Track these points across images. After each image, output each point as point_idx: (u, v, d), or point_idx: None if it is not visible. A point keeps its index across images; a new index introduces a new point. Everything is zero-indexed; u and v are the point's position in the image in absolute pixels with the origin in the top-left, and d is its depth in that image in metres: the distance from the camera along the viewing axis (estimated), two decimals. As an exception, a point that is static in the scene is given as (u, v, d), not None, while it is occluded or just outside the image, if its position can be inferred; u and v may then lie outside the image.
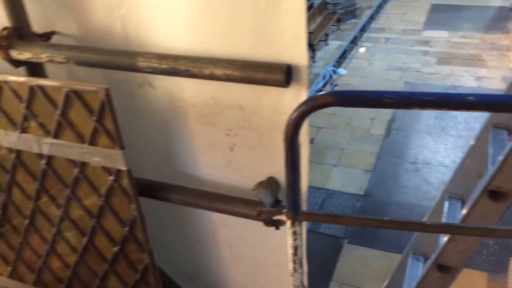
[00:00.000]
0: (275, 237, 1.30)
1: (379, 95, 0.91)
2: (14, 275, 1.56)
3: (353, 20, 7.22)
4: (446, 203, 1.58)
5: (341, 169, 4.52)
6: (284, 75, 0.98)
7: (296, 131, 0.98)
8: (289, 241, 1.16)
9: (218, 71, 1.02)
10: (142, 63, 1.08)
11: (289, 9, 0.93)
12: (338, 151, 4.72)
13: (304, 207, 1.14)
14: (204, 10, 1.04)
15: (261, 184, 1.19)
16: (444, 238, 1.40)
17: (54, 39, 1.28)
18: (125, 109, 1.14)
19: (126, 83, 1.29)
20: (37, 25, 1.25)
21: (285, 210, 1.13)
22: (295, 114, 0.96)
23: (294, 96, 1.05)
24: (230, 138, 1.21)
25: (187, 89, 1.20)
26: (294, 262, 1.19)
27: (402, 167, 4.52)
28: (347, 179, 4.41)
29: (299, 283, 1.21)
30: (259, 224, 1.23)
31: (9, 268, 1.55)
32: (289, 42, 0.98)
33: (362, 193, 4.21)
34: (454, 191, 1.60)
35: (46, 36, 1.24)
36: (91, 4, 1.20)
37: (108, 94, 1.07)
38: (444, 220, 1.55)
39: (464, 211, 1.34)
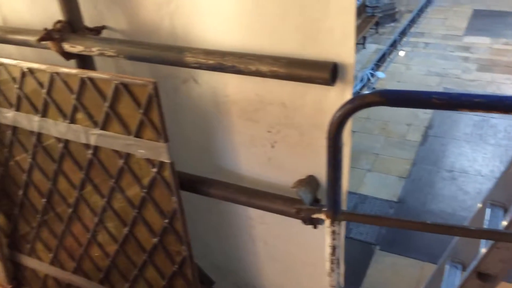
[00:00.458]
0: (312, 236, 1.30)
1: (428, 96, 0.90)
2: (55, 262, 1.62)
3: (392, 24, 7.11)
4: (488, 211, 1.54)
5: (375, 174, 4.45)
6: (330, 73, 0.98)
7: (340, 129, 0.98)
8: (328, 240, 1.15)
9: (264, 68, 1.03)
10: (189, 58, 1.10)
11: (339, 7, 0.94)
12: (373, 156, 4.66)
13: (343, 206, 1.14)
14: (252, 6, 1.05)
15: (301, 182, 1.19)
16: (485, 247, 1.36)
17: (104, 34, 1.32)
18: (168, 104, 1.16)
19: (171, 78, 1.32)
20: (89, 19, 1.29)
21: (324, 209, 1.13)
22: (339, 113, 0.96)
23: (339, 95, 1.05)
24: (272, 135, 1.22)
25: (230, 85, 1.21)
26: (332, 262, 1.18)
27: (438, 175, 4.42)
28: (381, 185, 4.34)
29: (335, 283, 1.21)
30: (297, 222, 1.23)
31: (51, 255, 1.61)
32: (336, 40, 0.98)
33: (395, 199, 4.14)
34: (497, 199, 1.55)
35: (96, 30, 1.28)
36: (141, 0, 1.23)
37: (155, 88, 1.10)
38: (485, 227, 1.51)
39: (507, 219, 1.30)
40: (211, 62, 1.08)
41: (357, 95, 0.95)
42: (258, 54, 1.05)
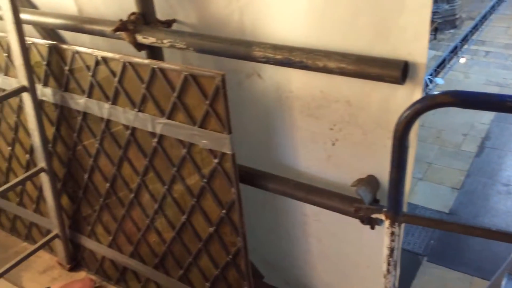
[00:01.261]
0: (368, 236, 1.29)
1: (502, 98, 0.88)
2: (113, 245, 1.68)
3: (452, 31, 6.90)
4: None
5: (427, 184, 4.34)
6: (400, 71, 0.97)
7: (407, 129, 0.97)
8: (386, 241, 1.14)
9: (332, 64, 1.03)
10: (257, 52, 1.12)
11: (414, 5, 0.93)
12: (425, 164, 4.54)
13: (404, 208, 1.12)
14: (323, 2, 1.06)
15: (361, 181, 1.19)
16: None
17: (174, 27, 1.36)
18: (231, 98, 1.19)
19: (235, 72, 1.35)
20: (160, 12, 1.34)
21: (385, 209, 1.12)
22: (408, 112, 0.95)
23: (408, 94, 1.04)
24: (333, 133, 1.22)
25: (295, 81, 1.23)
26: (389, 264, 1.17)
27: (493, 188, 4.25)
28: (432, 195, 4.22)
29: (391, 285, 1.20)
30: (353, 221, 1.22)
31: (110, 238, 1.67)
32: (409, 38, 0.97)
33: (447, 211, 4.02)
34: None
35: (168, 23, 1.32)
36: (213, -5, 1.27)
37: (223, 80, 1.13)
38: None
39: None
40: (279, 57, 1.10)
41: (427, 95, 0.93)
42: (326, 50, 1.06)
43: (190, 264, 1.49)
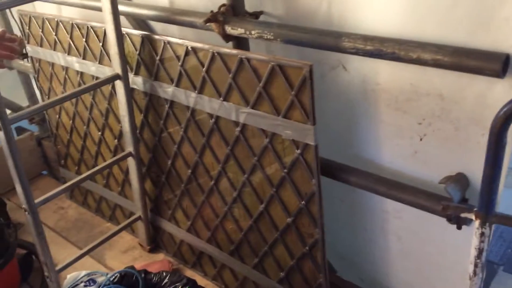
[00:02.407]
0: (452, 236, 1.24)
1: None
2: (191, 229, 1.75)
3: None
4: None
5: (510, 191, 4.08)
6: (501, 64, 0.93)
7: (506, 125, 0.92)
8: (475, 242, 1.09)
9: (426, 56, 1.00)
10: (347, 43, 1.11)
11: (523, -6, 0.88)
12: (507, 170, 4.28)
13: (497, 208, 1.07)
14: (419, -8, 1.03)
15: (450, 179, 1.14)
16: None
17: (261, 18, 1.38)
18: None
19: (319, 64, 1.34)
20: (248, 4, 1.37)
21: (475, 209, 1.07)
22: (507, 107, 0.90)
23: (507, 89, 0.99)
24: (422, 128, 1.19)
25: (383, 73, 1.20)
26: (476, 266, 1.12)
27: None
28: (513, 201, 3.97)
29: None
30: (437, 220, 1.18)
31: (188, 223, 1.74)
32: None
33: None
34: None
35: (255, 15, 1.35)
36: (301, -14, 1.27)
37: (311, 71, 1.13)
38: None
39: None
40: (369, 48, 1.08)
41: (532, 89, 0.88)
42: (420, 41, 1.03)
43: (266, 253, 1.52)
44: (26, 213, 1.46)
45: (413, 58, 1.02)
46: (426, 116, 1.16)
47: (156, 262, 1.82)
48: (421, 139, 1.20)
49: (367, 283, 1.61)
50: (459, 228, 1.16)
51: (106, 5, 1.44)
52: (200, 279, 1.74)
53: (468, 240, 1.13)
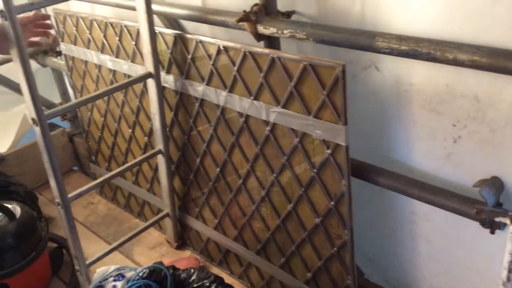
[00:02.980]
0: (484, 240, 1.23)
1: None
2: (218, 227, 1.76)
3: None
4: None
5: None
6: (541, 66, 0.91)
7: (546, 128, 0.90)
8: (509, 247, 1.08)
9: (463, 56, 0.99)
10: (381, 43, 1.10)
11: None
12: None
13: (533, 214, 1.05)
14: (457, -7, 1.02)
15: (485, 182, 1.12)
16: None
17: (292, 18, 1.39)
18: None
19: (351, 64, 1.33)
20: (280, 3, 1.37)
21: (510, 213, 1.05)
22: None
23: (546, 91, 0.96)
24: (456, 130, 1.17)
25: (417, 74, 1.19)
26: (510, 271, 1.10)
27: None
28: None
29: (510, 295, 1.12)
30: (469, 224, 1.17)
31: (216, 221, 1.75)
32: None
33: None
34: None
35: (287, 14, 1.35)
36: (335, -14, 1.27)
37: (344, 71, 1.12)
38: None
39: None
40: (404, 48, 1.07)
41: None
42: (457, 42, 1.01)
43: (293, 253, 1.52)
44: (59, 207, 1.49)
45: (449, 59, 1.01)
46: (461, 117, 1.14)
47: (183, 259, 1.84)
48: (455, 141, 1.19)
49: (393, 286, 1.59)
50: (492, 232, 1.14)
51: (140, 4, 1.46)
52: (226, 277, 1.74)
53: (501, 244, 1.11)
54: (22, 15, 1.47)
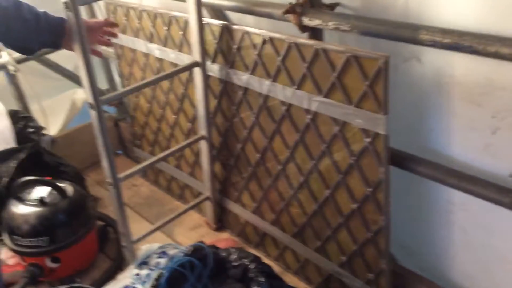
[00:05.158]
0: (520, 231, 1.25)
1: None
2: (257, 211, 1.83)
3: None
4: None
5: None
6: None
7: None
8: (543, 236, 1.11)
9: (505, 50, 1.02)
10: (424, 36, 1.14)
11: None
12: None
13: None
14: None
15: (522, 172, 1.15)
16: None
17: (336, 10, 1.43)
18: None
19: (393, 56, 1.36)
20: (325, -4, 1.42)
21: (547, 203, 1.08)
22: None
23: None
24: (495, 122, 1.20)
25: (458, 66, 1.22)
26: (544, 260, 1.13)
27: None
28: None
29: (544, 283, 1.15)
30: (506, 214, 1.20)
31: (254, 205, 1.83)
32: None
33: None
34: None
35: (331, 7, 1.40)
36: (379, -21, 1.31)
37: (387, 62, 1.17)
38: None
39: None
40: (447, 41, 1.11)
41: None
42: (499, 36, 1.04)
43: (329, 237, 1.58)
44: (111, 186, 1.60)
45: (491, 52, 1.04)
46: (500, 110, 1.17)
47: (222, 240, 1.92)
48: (493, 133, 1.22)
49: (427, 274, 1.63)
50: (528, 222, 1.17)
51: (190, -4, 1.54)
52: (262, 259, 1.83)
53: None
54: (94, 20, 1.57)
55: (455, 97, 1.26)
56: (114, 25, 1.57)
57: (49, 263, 1.76)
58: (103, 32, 1.53)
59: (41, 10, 1.39)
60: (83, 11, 2.35)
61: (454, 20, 1.17)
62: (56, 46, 1.45)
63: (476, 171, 1.29)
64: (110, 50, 2.20)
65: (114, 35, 1.59)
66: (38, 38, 1.37)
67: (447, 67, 1.25)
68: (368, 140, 1.30)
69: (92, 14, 2.38)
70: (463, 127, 1.28)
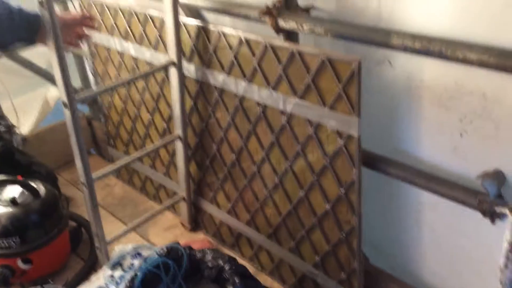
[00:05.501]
0: (486, 230, 1.29)
1: None
2: (231, 211, 1.84)
3: None
4: None
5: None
6: (546, 67, 0.97)
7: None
8: (507, 236, 1.15)
9: (473, 56, 1.05)
10: (396, 40, 1.17)
11: None
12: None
13: (532, 205, 1.12)
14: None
15: (487, 175, 1.19)
16: None
17: (312, 13, 1.45)
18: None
19: (365, 59, 1.39)
20: (301, -1, 1.44)
21: (510, 204, 1.12)
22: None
23: (550, 91, 1.03)
24: (463, 125, 1.24)
25: (428, 70, 1.26)
26: (507, 258, 1.17)
27: None
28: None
29: (506, 280, 1.20)
30: (472, 214, 1.23)
31: (229, 205, 1.83)
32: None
33: None
34: None
35: (307, 9, 1.42)
36: (353, -16, 1.34)
37: (359, 66, 1.20)
38: None
39: None
40: (417, 45, 1.14)
41: None
42: (467, 42, 1.08)
43: (303, 237, 1.60)
44: (84, 186, 1.58)
45: (459, 58, 1.08)
46: (467, 113, 1.21)
47: (197, 241, 1.92)
48: (461, 136, 1.26)
49: (398, 272, 1.67)
50: (493, 222, 1.21)
51: (167, -5, 1.54)
52: (238, 260, 1.84)
53: (501, 234, 1.18)
54: (70, 16, 1.55)
55: (425, 100, 1.30)
56: (90, 18, 1.56)
57: (20, 264, 1.72)
58: (80, 26, 1.52)
59: (15, 6, 1.37)
60: (57, 7, 2.31)
61: (425, 26, 1.21)
62: (30, 42, 1.43)
63: (445, 172, 1.33)
64: (84, 48, 2.18)
65: (92, 28, 1.58)
66: (12, 33, 1.35)
67: (417, 71, 1.28)
68: (342, 141, 1.33)
69: (65, 10, 2.34)
70: (432, 129, 1.32)
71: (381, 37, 1.20)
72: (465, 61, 1.07)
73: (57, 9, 2.30)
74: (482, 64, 1.05)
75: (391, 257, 1.68)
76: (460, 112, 1.23)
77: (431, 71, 1.25)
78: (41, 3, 1.26)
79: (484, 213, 1.20)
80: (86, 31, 1.57)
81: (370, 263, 1.69)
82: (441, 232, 1.45)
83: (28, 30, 1.36)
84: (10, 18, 1.33)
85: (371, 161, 1.41)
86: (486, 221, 1.21)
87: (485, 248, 1.35)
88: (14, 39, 1.38)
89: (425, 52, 1.13)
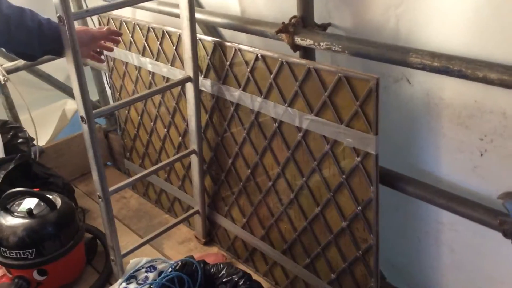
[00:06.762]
0: (507, 251, 1.27)
1: None
2: (246, 226, 1.83)
3: None
4: None
5: None
6: None
7: None
8: (529, 258, 1.12)
9: (493, 75, 1.04)
10: (414, 59, 1.16)
11: None
12: None
13: (556, 228, 1.09)
14: (491, 13, 1.07)
15: (508, 195, 1.17)
16: None
17: (328, 30, 1.45)
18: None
19: (383, 77, 1.39)
20: (317, 16, 1.44)
21: (533, 226, 1.10)
22: None
23: None
24: (483, 144, 1.22)
25: (447, 88, 1.24)
26: (530, 282, 1.14)
27: None
28: None
29: (529, 304, 1.17)
30: (493, 234, 1.21)
31: (244, 220, 1.83)
32: None
33: None
34: None
35: (323, 27, 1.41)
36: (371, 1, 1.33)
37: (377, 84, 1.18)
38: None
39: None
40: (436, 64, 1.13)
41: None
42: (487, 61, 1.07)
43: (318, 254, 1.58)
44: (100, 200, 1.59)
45: (479, 77, 1.06)
46: (488, 132, 1.19)
47: (211, 255, 1.92)
48: (481, 155, 1.23)
49: (415, 292, 1.65)
50: (514, 243, 1.18)
51: (184, 12, 1.55)
52: (251, 275, 1.82)
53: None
54: (97, 29, 1.58)
55: (444, 118, 1.28)
56: (117, 33, 1.58)
57: (36, 276, 1.74)
58: (106, 40, 1.54)
59: (45, 17, 1.40)
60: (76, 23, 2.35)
61: (444, 44, 1.19)
62: (58, 54, 1.44)
63: (465, 192, 1.31)
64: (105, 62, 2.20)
65: (117, 42, 1.60)
66: (40, 45, 1.38)
67: (436, 89, 1.27)
68: (359, 159, 1.31)
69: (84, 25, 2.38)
70: (452, 148, 1.30)
71: (399, 55, 1.19)
72: (485, 80, 1.06)
73: (77, 24, 2.33)
74: (503, 84, 1.03)
75: (409, 276, 1.65)
76: (480, 131, 1.21)
77: (450, 89, 1.23)
78: (60, 19, 1.27)
79: (505, 233, 1.17)
80: (111, 45, 1.59)
81: (387, 281, 1.67)
82: (461, 252, 1.42)
83: (57, 42, 1.37)
84: (40, 30, 1.35)
85: (389, 179, 1.39)
86: (507, 241, 1.18)
87: (505, 268, 1.32)
88: (43, 52, 1.41)
89: (445, 71, 1.11)
